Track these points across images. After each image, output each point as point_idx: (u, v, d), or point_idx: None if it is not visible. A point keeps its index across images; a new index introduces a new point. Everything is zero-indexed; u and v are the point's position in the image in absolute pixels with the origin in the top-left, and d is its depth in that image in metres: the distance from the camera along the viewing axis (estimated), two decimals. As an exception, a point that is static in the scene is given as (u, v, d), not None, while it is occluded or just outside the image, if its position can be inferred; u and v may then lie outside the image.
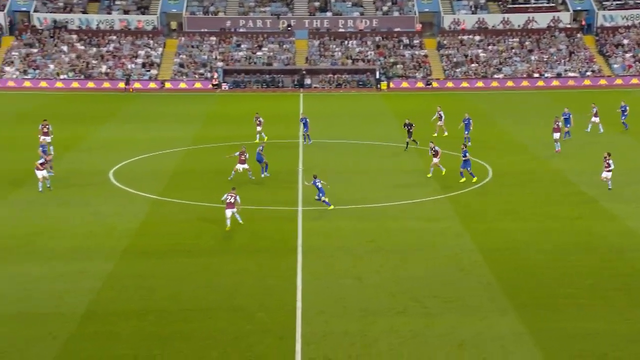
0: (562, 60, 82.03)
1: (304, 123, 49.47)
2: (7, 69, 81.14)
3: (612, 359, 20.79)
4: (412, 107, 66.05)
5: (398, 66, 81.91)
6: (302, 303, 24.30)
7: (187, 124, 50.09)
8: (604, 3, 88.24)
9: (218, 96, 75.59)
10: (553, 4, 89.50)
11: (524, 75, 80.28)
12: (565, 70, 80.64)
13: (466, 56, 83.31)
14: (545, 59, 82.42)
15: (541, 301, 24.44)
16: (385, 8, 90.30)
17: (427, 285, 25.74)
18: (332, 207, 34.17)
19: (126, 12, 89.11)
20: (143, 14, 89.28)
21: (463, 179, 38.62)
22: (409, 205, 35.48)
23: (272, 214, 34.27)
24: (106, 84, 79.06)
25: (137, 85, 78.84)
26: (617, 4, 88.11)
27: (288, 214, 34.19)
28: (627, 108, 53.64)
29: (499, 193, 37.41)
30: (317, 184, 34.22)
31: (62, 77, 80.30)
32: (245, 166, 39.25)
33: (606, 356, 20.90)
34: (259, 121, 49.62)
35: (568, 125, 49.57)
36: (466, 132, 48.21)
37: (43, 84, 78.88)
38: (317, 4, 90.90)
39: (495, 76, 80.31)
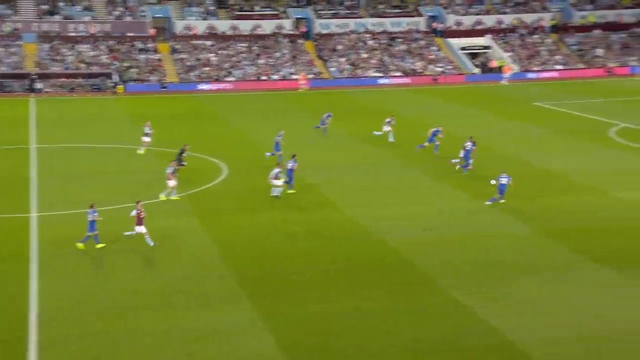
0: (287, 64, 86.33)
1: None
2: None
3: (337, 334, 22.59)
4: (147, 110, 66.18)
5: (133, 70, 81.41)
6: (37, 310, 23.94)
7: None
8: (320, 12, 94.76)
9: None
10: (276, 12, 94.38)
11: (253, 78, 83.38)
12: (290, 73, 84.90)
13: (199, 60, 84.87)
14: (271, 63, 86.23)
15: (273, 288, 26.02)
16: (117, 12, 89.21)
17: (170, 282, 26.47)
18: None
19: None
20: None
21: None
22: (149, 205, 35.77)
23: (3, 222, 33.14)
24: None
25: None
26: (331, 14, 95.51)
27: (21, 220, 33.26)
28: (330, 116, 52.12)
29: (233, 190, 38.76)
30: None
31: None
32: None
33: (332, 332, 22.70)
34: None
35: (434, 141, 45.70)
36: (277, 151, 43.30)
37: None
38: (45, 7, 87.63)
39: (227, 79, 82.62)
